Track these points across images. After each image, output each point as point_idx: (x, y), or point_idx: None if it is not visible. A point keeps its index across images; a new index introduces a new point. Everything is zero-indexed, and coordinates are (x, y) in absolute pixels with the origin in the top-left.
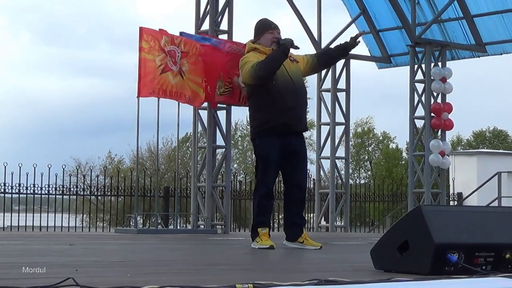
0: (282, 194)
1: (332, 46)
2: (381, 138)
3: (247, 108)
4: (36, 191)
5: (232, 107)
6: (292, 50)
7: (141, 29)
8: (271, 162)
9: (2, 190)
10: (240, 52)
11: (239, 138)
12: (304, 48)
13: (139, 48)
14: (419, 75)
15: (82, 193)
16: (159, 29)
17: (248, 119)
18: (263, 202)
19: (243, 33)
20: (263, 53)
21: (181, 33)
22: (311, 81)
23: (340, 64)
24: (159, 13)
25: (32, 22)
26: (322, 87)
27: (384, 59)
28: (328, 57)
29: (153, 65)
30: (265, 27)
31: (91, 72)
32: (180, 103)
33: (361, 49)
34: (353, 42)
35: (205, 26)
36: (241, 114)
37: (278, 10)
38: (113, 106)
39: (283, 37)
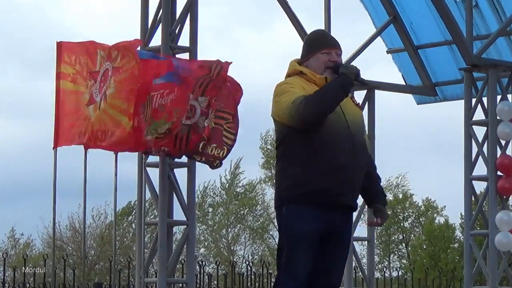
0: None
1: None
2: (422, 208)
3: (276, 159)
4: None
5: (197, 163)
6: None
7: (59, 45)
8: (303, 243)
9: None
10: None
11: (209, 209)
12: None
13: (56, 74)
14: (479, 114)
15: None
16: (90, 41)
17: (274, 177)
18: None
19: (228, 51)
20: (311, 82)
21: None
22: None
23: (359, 96)
24: (90, 22)
25: None
26: None
27: (426, 90)
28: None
29: (79, 99)
30: (318, 44)
31: None
32: (118, 153)
33: (392, 74)
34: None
35: (156, 41)
36: (212, 173)
37: (278, 20)
38: (21, 159)
39: (344, 62)
